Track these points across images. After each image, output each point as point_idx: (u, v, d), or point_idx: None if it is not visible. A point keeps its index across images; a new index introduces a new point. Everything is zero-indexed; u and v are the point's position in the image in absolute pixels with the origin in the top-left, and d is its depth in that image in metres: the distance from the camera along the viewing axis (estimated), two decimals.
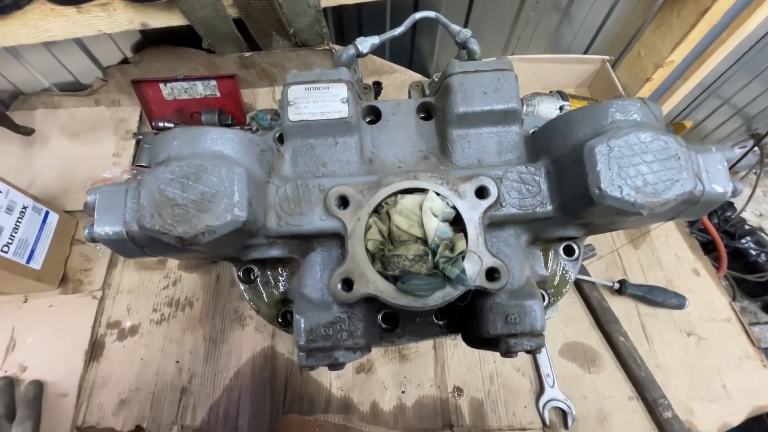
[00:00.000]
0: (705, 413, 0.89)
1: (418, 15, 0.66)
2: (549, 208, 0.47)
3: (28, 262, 0.92)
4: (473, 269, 0.44)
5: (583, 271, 1.04)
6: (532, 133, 0.52)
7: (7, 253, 0.87)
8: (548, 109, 1.10)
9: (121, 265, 1.04)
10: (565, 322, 1.00)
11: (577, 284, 1.03)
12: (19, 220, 0.91)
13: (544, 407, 0.87)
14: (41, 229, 0.97)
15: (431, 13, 0.66)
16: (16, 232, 0.90)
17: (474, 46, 0.63)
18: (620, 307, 1.00)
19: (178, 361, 0.94)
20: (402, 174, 0.47)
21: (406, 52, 1.33)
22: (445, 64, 0.63)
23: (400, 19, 1.17)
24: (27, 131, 1.09)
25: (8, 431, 0.81)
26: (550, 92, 1.14)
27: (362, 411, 0.89)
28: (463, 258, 0.44)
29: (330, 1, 0.95)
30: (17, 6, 0.82)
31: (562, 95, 1.11)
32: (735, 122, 1.91)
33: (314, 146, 0.52)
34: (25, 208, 0.94)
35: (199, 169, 0.39)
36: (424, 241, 0.45)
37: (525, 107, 1.11)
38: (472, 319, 0.49)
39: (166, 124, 1.19)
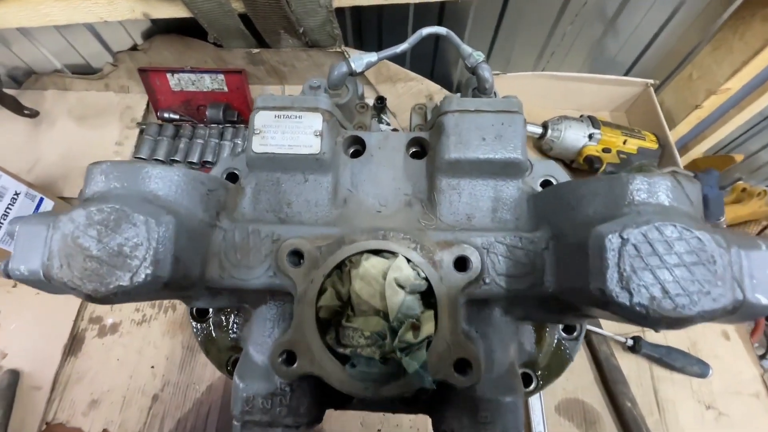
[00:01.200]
0: None
1: (426, 31, 0.57)
2: (541, 291, 0.38)
3: None
4: (439, 359, 0.37)
5: (594, 322, 0.94)
6: (536, 194, 0.43)
7: None
8: (576, 137, 0.99)
9: None
10: (566, 375, 0.89)
11: (586, 334, 0.93)
12: (10, 206, 0.90)
13: None
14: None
15: (442, 30, 0.57)
16: (4, 219, 0.89)
17: (485, 73, 0.54)
18: (632, 367, 0.90)
19: (153, 366, 0.91)
20: (370, 231, 0.39)
21: (428, 57, 1.23)
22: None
23: (423, 21, 1.08)
24: (32, 113, 1.08)
25: None
26: (581, 116, 1.02)
27: None
28: (428, 344, 0.37)
29: (344, 2, 0.87)
30: None
31: (593, 121, 1.00)
32: None
33: (281, 181, 0.46)
34: (17, 194, 0.92)
35: (120, 215, 0.33)
36: (386, 314, 0.38)
37: (549, 131, 1.01)
38: (436, 406, 0.41)
39: (172, 115, 1.16)
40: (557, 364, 0.48)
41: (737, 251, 0.33)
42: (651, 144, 1.02)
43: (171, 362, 0.91)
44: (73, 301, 0.96)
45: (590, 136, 0.99)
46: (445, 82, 1.23)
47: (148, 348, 0.93)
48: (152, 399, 0.88)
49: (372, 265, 0.39)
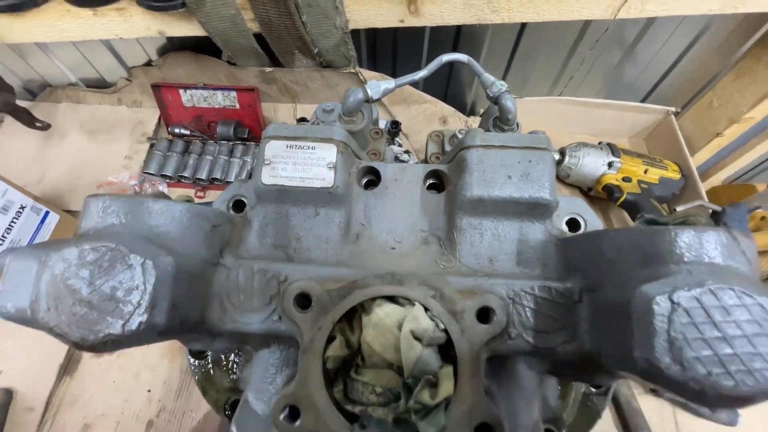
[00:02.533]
0: None
1: (446, 57, 0.55)
2: (573, 349, 0.35)
3: None
4: (458, 422, 0.33)
5: None
6: (566, 238, 0.40)
7: None
8: (594, 164, 0.96)
9: None
10: None
11: None
12: (15, 219, 0.89)
13: None
14: (38, 229, 0.94)
15: (463, 57, 0.55)
16: (9, 233, 0.87)
17: (508, 103, 0.51)
18: (653, 411, 0.84)
19: (149, 390, 0.87)
20: (384, 276, 0.36)
21: (443, 79, 1.22)
22: (484, 97, 0.51)
23: (438, 44, 1.06)
24: (43, 126, 1.07)
25: None
26: (599, 143, 0.99)
27: None
28: (446, 406, 0.33)
29: (360, 24, 0.86)
30: (34, 3, 0.78)
31: (613, 150, 0.96)
32: None
33: (290, 215, 0.43)
34: (23, 207, 0.91)
35: (115, 255, 0.30)
36: (400, 368, 0.35)
37: (567, 158, 0.98)
38: None
39: (183, 131, 1.15)
40: (584, 420, 0.43)
41: None
42: (673, 174, 0.98)
43: (168, 387, 0.88)
44: None
45: (609, 164, 0.95)
46: (459, 104, 1.21)
47: (145, 371, 0.89)
48: (147, 425, 0.84)
49: (386, 313, 0.35)
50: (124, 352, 0.91)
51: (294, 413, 0.34)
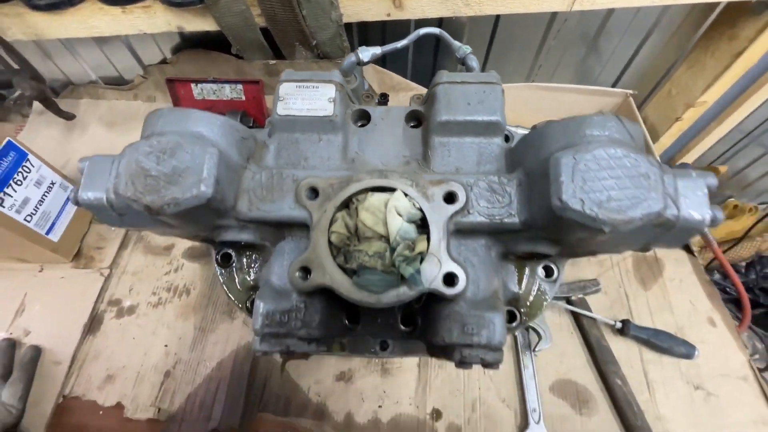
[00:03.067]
0: None
1: (423, 31, 0.68)
2: (517, 219, 0.46)
3: (47, 233, 0.99)
4: (431, 272, 0.44)
5: (584, 305, 0.99)
6: (511, 147, 0.52)
7: (29, 222, 0.94)
8: None
9: (131, 246, 1.10)
10: (559, 357, 0.94)
11: (577, 319, 0.98)
12: (46, 193, 0.99)
13: None
14: (65, 204, 1.04)
15: (435, 30, 0.68)
16: (40, 205, 0.97)
17: (472, 63, 0.64)
18: (621, 349, 0.94)
19: (166, 345, 0.96)
20: (374, 172, 0.48)
21: (428, 68, 1.36)
22: None
23: (422, 39, 1.20)
24: (69, 116, 1.19)
25: (1, 389, 0.85)
26: None
27: (336, 420, 0.87)
28: (422, 260, 0.44)
29: (352, 18, 0.99)
30: (71, 3, 0.91)
31: None
32: None
33: (299, 141, 0.54)
34: (53, 183, 1.01)
35: (175, 145, 0.41)
36: (387, 239, 0.45)
37: None
38: (430, 324, 0.48)
39: None
40: (536, 303, 0.54)
41: (672, 178, 0.41)
42: None
43: (183, 342, 0.97)
44: (94, 285, 1.02)
45: None
46: None
47: (162, 329, 0.98)
48: (164, 375, 0.92)
49: (376, 198, 0.47)
50: (143, 312, 1.00)
51: (306, 272, 0.45)
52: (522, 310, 0.54)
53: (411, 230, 0.45)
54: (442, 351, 0.48)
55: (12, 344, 0.93)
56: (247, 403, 0.88)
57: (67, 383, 0.91)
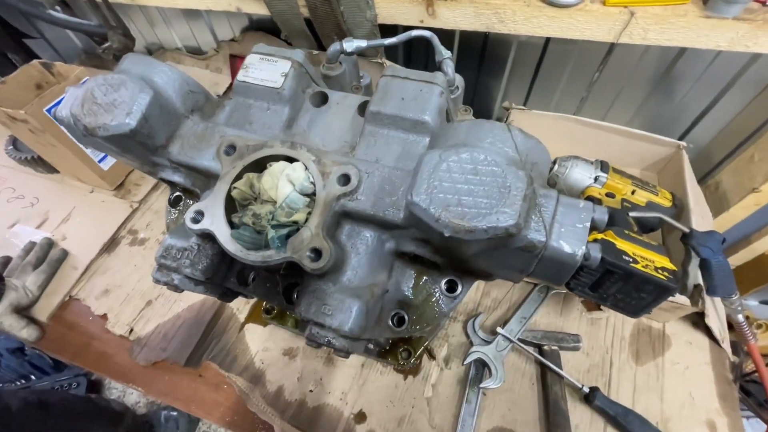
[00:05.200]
0: None
1: (414, 33, 0.69)
2: (401, 215, 0.45)
3: (100, 162, 1.19)
4: (299, 243, 0.45)
5: (555, 359, 0.89)
6: None
7: (87, 149, 1.14)
8: (581, 176, 1.00)
9: (161, 190, 1.26)
10: (509, 405, 0.86)
11: (543, 371, 0.89)
12: None
13: None
14: None
15: (426, 33, 0.69)
16: None
17: (447, 68, 0.64)
18: (583, 420, 0.83)
19: None
20: (287, 143, 0.50)
21: (469, 88, 1.34)
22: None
23: (467, 49, 1.19)
24: None
25: (29, 274, 1.03)
26: (595, 160, 1.02)
27: (268, 389, 0.91)
28: (298, 230, 0.45)
29: (386, 20, 1.03)
30: None
31: (603, 166, 1.00)
32: None
33: (251, 106, 0.59)
34: None
35: (121, 82, 0.49)
36: (276, 203, 0.48)
37: (556, 167, 1.03)
38: (298, 296, 0.49)
39: None
40: (429, 315, 0.52)
41: (554, 202, 0.37)
42: (663, 201, 0.98)
43: None
44: (122, 214, 1.19)
45: (596, 179, 0.98)
46: (485, 113, 1.32)
47: None
48: (146, 303, 1.04)
49: (280, 165, 0.49)
50: (151, 245, 1.14)
51: (199, 216, 0.49)
52: (412, 316, 0.52)
53: (299, 200, 0.47)
54: (304, 325, 0.49)
55: (50, 243, 1.13)
56: (198, 348, 0.96)
57: (76, 286, 1.08)
